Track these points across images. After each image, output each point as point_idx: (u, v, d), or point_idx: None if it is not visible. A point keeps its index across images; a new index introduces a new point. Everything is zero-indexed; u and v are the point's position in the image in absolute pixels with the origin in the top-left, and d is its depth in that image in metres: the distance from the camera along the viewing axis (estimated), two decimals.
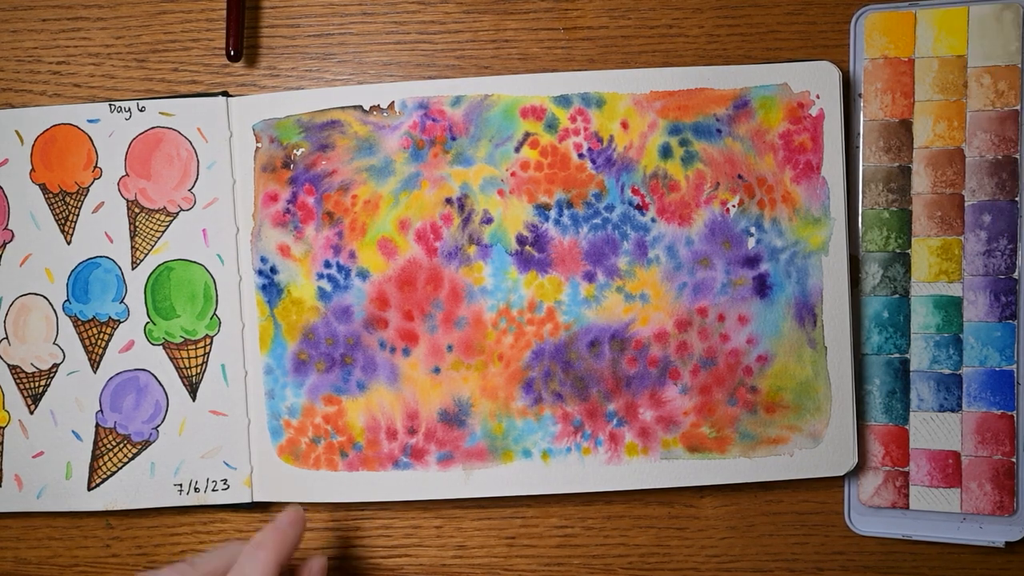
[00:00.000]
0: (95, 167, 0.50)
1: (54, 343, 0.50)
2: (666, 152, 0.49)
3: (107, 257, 0.50)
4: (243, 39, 0.49)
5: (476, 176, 0.49)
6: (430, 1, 0.51)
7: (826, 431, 0.48)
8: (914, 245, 0.49)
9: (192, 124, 0.50)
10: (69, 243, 0.50)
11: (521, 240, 0.49)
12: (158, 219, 0.50)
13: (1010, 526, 0.48)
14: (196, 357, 0.50)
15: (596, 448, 0.49)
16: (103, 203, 0.50)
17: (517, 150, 0.49)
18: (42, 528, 0.51)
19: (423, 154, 0.49)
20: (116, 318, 0.50)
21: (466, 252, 0.49)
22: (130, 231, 0.50)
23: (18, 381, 0.50)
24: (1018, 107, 0.48)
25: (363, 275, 0.49)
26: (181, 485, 0.49)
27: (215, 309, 0.50)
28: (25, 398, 0.50)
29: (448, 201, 0.49)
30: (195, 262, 0.50)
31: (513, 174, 0.49)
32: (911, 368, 0.49)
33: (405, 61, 0.51)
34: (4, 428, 0.50)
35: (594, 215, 0.49)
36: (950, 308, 0.48)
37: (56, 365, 0.50)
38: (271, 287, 0.49)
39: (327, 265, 0.49)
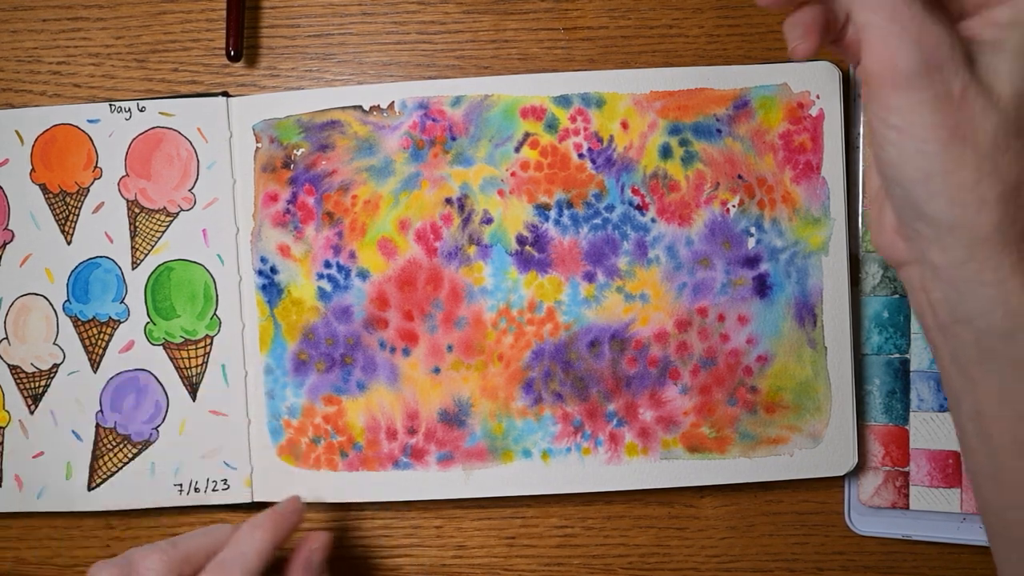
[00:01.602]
0: (95, 167, 0.50)
1: (54, 343, 0.50)
2: (666, 152, 0.49)
3: (107, 257, 0.50)
4: (243, 39, 0.49)
5: (476, 176, 0.49)
6: (430, 1, 0.51)
7: (826, 431, 0.48)
8: None
9: (192, 124, 0.50)
10: (69, 243, 0.50)
11: (521, 240, 0.49)
12: (158, 219, 0.50)
13: None
14: (196, 357, 0.50)
15: (596, 448, 0.49)
16: (103, 203, 0.50)
17: (517, 150, 0.49)
18: (42, 528, 0.51)
19: (423, 154, 0.49)
20: (116, 318, 0.50)
21: (466, 252, 0.49)
22: (130, 231, 0.50)
23: (18, 381, 0.50)
24: None
25: (363, 275, 0.49)
26: (181, 485, 0.49)
27: (215, 309, 0.50)
28: (25, 398, 0.50)
29: (448, 201, 0.49)
30: (195, 262, 0.50)
31: (513, 174, 0.49)
32: (911, 368, 0.49)
33: (405, 61, 0.51)
34: (4, 428, 0.50)
35: (594, 215, 0.49)
36: None
37: (56, 365, 0.50)
38: (271, 287, 0.49)
39: (327, 265, 0.49)
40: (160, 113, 0.50)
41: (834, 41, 0.37)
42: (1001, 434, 0.35)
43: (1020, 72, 0.33)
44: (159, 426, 0.50)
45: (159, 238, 0.50)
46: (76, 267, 0.50)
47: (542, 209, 0.49)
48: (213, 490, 0.49)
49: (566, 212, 0.49)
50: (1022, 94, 0.33)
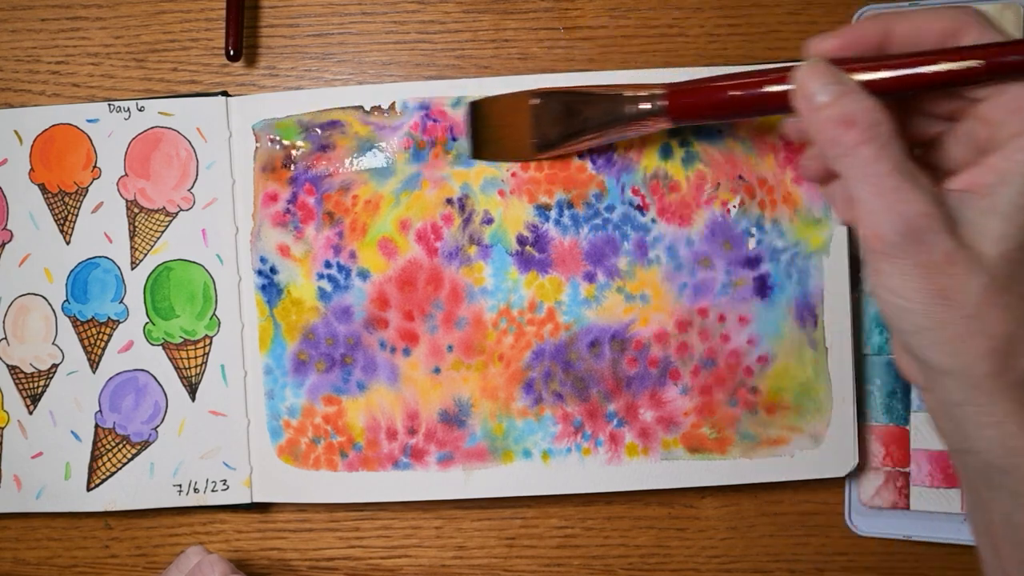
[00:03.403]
0: (94, 167, 0.50)
1: (53, 343, 0.50)
2: (666, 152, 0.48)
3: (106, 257, 0.50)
4: (242, 39, 0.49)
5: (477, 176, 0.49)
6: (430, 1, 0.51)
7: (827, 432, 0.48)
8: None
9: (191, 124, 0.49)
10: (68, 243, 0.50)
11: (521, 240, 0.49)
12: (157, 219, 0.50)
13: None
14: (195, 357, 0.49)
15: (596, 448, 0.49)
16: (102, 203, 0.50)
17: None
18: (41, 529, 0.51)
19: (424, 154, 0.49)
20: (115, 318, 0.50)
21: (466, 252, 0.49)
22: (129, 231, 0.50)
23: (17, 381, 0.50)
24: None
25: (363, 275, 0.49)
26: (180, 486, 0.49)
27: (214, 309, 0.49)
28: (24, 398, 0.50)
29: (449, 201, 0.49)
30: (194, 262, 0.50)
31: (513, 174, 0.49)
32: None
33: (405, 61, 0.51)
34: (3, 428, 0.50)
35: (594, 215, 0.49)
36: None
37: (55, 365, 0.50)
38: (271, 287, 0.49)
39: (327, 265, 0.49)
40: (159, 113, 0.50)
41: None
42: (1009, 555, 0.36)
43: (1007, 232, 0.33)
44: (158, 426, 0.49)
45: (158, 238, 0.50)
46: (75, 267, 0.50)
47: (542, 209, 0.49)
48: (212, 490, 0.49)
49: (566, 212, 0.49)
50: (1009, 252, 0.33)
